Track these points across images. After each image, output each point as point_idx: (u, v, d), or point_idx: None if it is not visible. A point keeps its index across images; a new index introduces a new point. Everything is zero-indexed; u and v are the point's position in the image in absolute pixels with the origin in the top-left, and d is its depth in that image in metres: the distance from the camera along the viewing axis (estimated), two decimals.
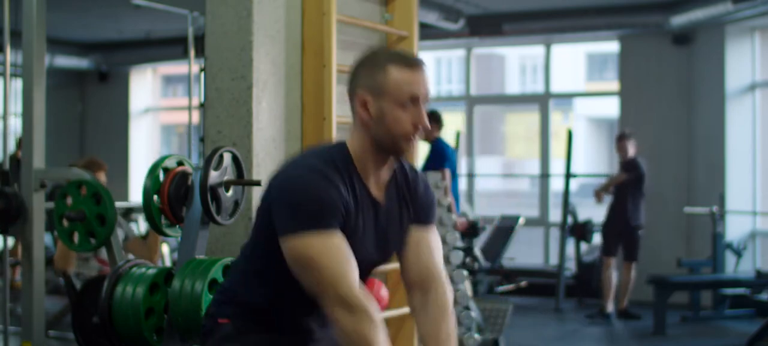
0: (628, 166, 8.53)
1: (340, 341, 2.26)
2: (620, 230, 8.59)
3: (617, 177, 8.69)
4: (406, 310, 4.62)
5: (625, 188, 8.54)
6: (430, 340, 2.42)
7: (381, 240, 2.39)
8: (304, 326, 2.41)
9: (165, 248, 8.45)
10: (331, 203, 2.22)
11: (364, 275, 2.36)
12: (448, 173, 7.20)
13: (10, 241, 9.29)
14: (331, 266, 2.19)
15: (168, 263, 8.30)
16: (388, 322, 4.66)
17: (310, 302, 2.29)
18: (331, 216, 2.22)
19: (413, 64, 2.31)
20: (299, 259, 2.22)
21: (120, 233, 4.42)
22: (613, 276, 8.55)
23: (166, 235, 3.30)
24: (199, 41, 4.70)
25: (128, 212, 8.21)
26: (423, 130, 2.32)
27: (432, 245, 2.48)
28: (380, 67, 2.29)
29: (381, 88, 2.28)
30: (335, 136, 3.81)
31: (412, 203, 2.44)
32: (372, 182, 2.35)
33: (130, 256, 4.23)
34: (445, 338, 2.42)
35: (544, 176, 10.81)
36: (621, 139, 8.66)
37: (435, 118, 7.65)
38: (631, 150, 8.55)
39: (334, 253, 2.20)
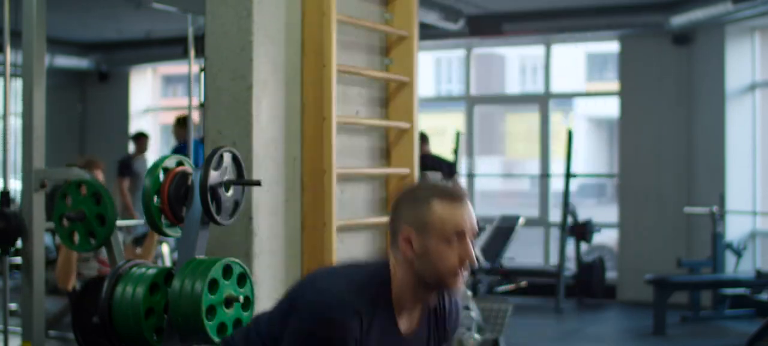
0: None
1: None
2: None
3: None
4: None
5: None
6: None
7: None
8: None
9: (165, 248, 8.45)
10: (344, 342, 2.16)
11: None
12: None
13: None
14: None
15: (168, 263, 8.29)
16: None
17: None
18: None
19: (457, 197, 2.25)
20: None
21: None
22: None
23: (166, 235, 3.29)
24: (199, 41, 4.70)
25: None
26: (471, 264, 2.26)
27: None
28: (423, 202, 2.24)
29: (425, 224, 2.22)
30: (335, 136, 3.81)
31: (441, 331, 2.40)
32: (405, 317, 2.30)
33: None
34: None
35: (544, 176, 10.81)
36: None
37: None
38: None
39: None
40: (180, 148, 8.99)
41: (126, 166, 9.75)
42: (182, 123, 9.16)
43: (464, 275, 2.26)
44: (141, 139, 10.04)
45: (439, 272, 2.23)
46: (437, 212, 2.22)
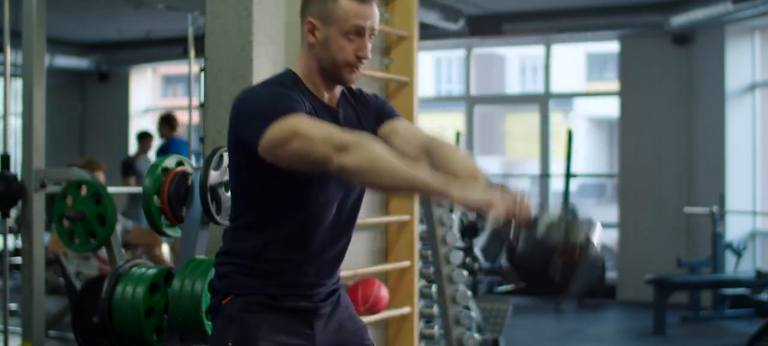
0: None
1: (357, 180, 2.21)
2: None
3: None
4: (406, 310, 4.61)
5: None
6: (451, 170, 2.30)
7: None
8: (308, 275, 2.40)
9: (165, 248, 8.45)
10: (292, 98, 2.27)
11: (336, 198, 2.39)
12: None
13: (11, 242, 9.29)
14: (313, 127, 2.19)
15: (167, 258, 8.29)
16: (388, 322, 4.66)
17: (307, 233, 2.33)
18: (296, 103, 2.26)
19: None
20: (281, 139, 2.18)
21: (118, 228, 4.41)
22: None
23: (166, 235, 3.29)
24: (199, 41, 4.70)
25: (134, 199, 8.21)
26: (364, 60, 2.37)
27: (410, 126, 2.52)
28: None
29: (329, 15, 2.34)
30: None
31: (368, 111, 2.49)
32: (325, 97, 2.42)
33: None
34: (463, 169, 2.32)
35: (544, 176, 10.81)
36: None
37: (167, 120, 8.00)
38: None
39: (309, 120, 2.22)
40: (165, 146, 9.01)
41: (129, 166, 9.75)
42: (166, 121, 9.20)
43: (358, 72, 2.38)
44: (145, 138, 10.04)
45: (336, 62, 2.35)
46: (343, 6, 2.34)
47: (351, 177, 2.18)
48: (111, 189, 3.64)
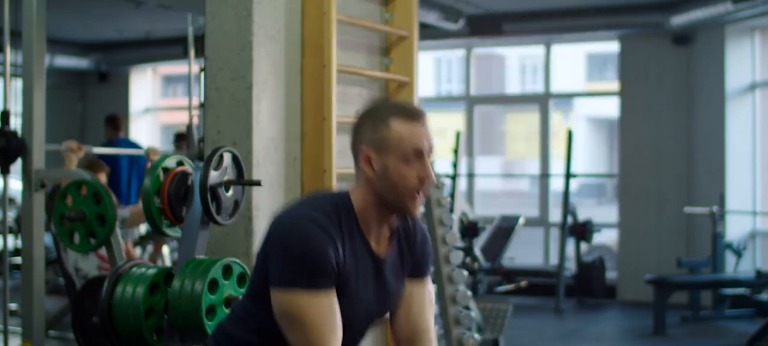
0: None
1: None
2: None
3: None
4: None
5: None
6: None
7: (382, 294, 2.33)
8: None
9: (165, 249, 8.45)
10: (325, 261, 2.16)
11: (364, 329, 2.34)
12: None
13: (11, 242, 9.29)
14: (315, 329, 2.15)
15: (168, 262, 8.30)
16: (388, 322, 4.65)
17: None
18: (325, 275, 2.16)
19: (416, 116, 2.26)
20: (286, 314, 2.17)
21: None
22: None
23: (166, 235, 3.29)
24: (199, 41, 4.70)
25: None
26: (429, 183, 2.25)
27: (425, 299, 2.43)
28: (383, 121, 2.24)
29: (385, 143, 2.23)
30: (335, 136, 3.81)
31: (410, 254, 2.40)
32: (373, 238, 2.30)
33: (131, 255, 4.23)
34: None
35: (544, 176, 10.81)
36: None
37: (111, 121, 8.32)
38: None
39: (321, 315, 2.15)
40: (107, 146, 8.97)
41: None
42: (110, 122, 9.18)
43: (423, 196, 2.26)
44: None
45: (399, 191, 2.23)
46: (396, 130, 2.23)
47: None
48: None
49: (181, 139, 10.14)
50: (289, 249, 2.17)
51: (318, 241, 2.16)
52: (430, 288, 2.46)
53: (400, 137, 2.22)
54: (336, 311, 2.18)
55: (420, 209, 2.29)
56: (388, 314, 2.43)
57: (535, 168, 11.47)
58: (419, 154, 2.23)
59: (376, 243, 2.31)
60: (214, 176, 3.09)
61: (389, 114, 2.25)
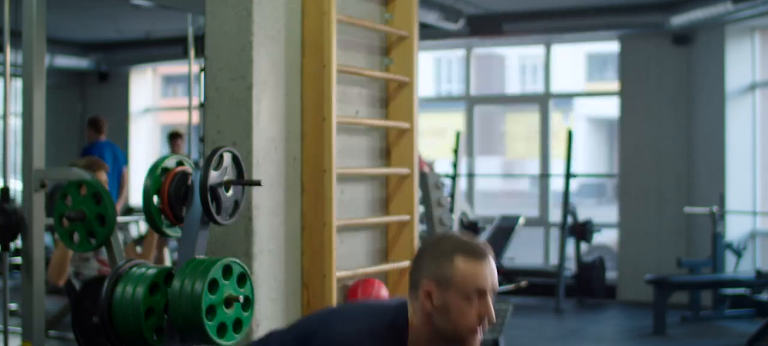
0: None
1: None
2: None
3: None
4: None
5: None
6: None
7: None
8: None
9: (165, 250, 8.44)
10: None
11: None
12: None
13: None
14: None
15: (168, 262, 8.29)
16: None
17: None
18: None
19: (481, 254, 2.27)
20: None
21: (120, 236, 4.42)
22: None
23: (166, 235, 3.29)
24: (199, 41, 4.70)
25: (128, 211, 8.23)
26: (490, 322, 2.25)
27: None
28: (447, 257, 2.24)
29: (448, 280, 2.22)
30: (335, 136, 3.81)
31: None
32: None
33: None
34: None
35: (544, 175, 10.81)
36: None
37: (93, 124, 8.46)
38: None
39: None
40: (88, 150, 8.97)
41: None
42: (92, 125, 9.17)
43: (483, 333, 2.25)
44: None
45: (458, 329, 2.22)
46: (460, 268, 2.23)
47: None
48: None
49: (175, 138, 10.15)
50: None
51: None
52: None
53: (463, 276, 2.23)
54: None
55: (478, 344, 2.28)
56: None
57: (535, 168, 11.48)
58: (482, 294, 2.24)
59: None
60: (214, 175, 3.09)
61: (454, 250, 2.25)
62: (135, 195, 11.02)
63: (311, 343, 2.20)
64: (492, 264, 2.27)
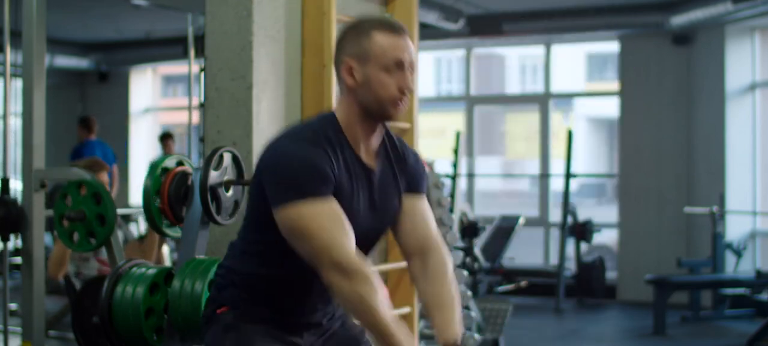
0: None
1: (341, 306, 2.29)
2: None
3: None
4: (406, 310, 4.62)
5: None
6: (433, 305, 2.46)
7: (377, 206, 2.40)
8: (306, 306, 2.42)
9: (165, 249, 8.44)
10: (321, 171, 2.23)
11: (365, 247, 2.36)
12: None
13: (11, 243, 9.27)
14: (325, 233, 2.21)
15: (168, 262, 8.29)
16: None
17: (310, 277, 2.30)
18: (323, 184, 2.23)
19: (397, 29, 2.34)
20: (293, 229, 2.23)
21: (120, 234, 4.42)
22: None
23: (166, 235, 3.29)
24: (199, 41, 4.70)
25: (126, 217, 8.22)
26: (409, 92, 2.33)
27: (426, 213, 2.51)
28: (365, 34, 2.32)
29: (366, 53, 2.31)
30: None
31: (403, 171, 2.47)
32: (362, 150, 2.37)
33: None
34: (449, 301, 2.46)
35: (544, 175, 10.81)
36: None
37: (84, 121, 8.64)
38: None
39: (328, 219, 2.22)
40: (79, 149, 8.97)
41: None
42: (83, 123, 9.17)
43: (404, 105, 2.34)
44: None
45: (380, 99, 2.31)
46: (378, 41, 2.31)
47: (336, 298, 2.28)
48: None
49: (166, 139, 10.15)
50: (285, 168, 2.24)
51: (311, 153, 2.24)
52: (427, 205, 2.54)
53: (381, 48, 2.31)
54: (342, 214, 2.24)
55: (399, 116, 2.37)
56: (389, 230, 2.50)
57: (535, 168, 11.47)
58: (400, 65, 2.32)
59: (366, 154, 2.38)
60: (214, 175, 3.09)
61: (371, 27, 2.34)
62: (135, 195, 11.03)
63: (268, 177, 2.27)
64: (409, 41, 2.35)
